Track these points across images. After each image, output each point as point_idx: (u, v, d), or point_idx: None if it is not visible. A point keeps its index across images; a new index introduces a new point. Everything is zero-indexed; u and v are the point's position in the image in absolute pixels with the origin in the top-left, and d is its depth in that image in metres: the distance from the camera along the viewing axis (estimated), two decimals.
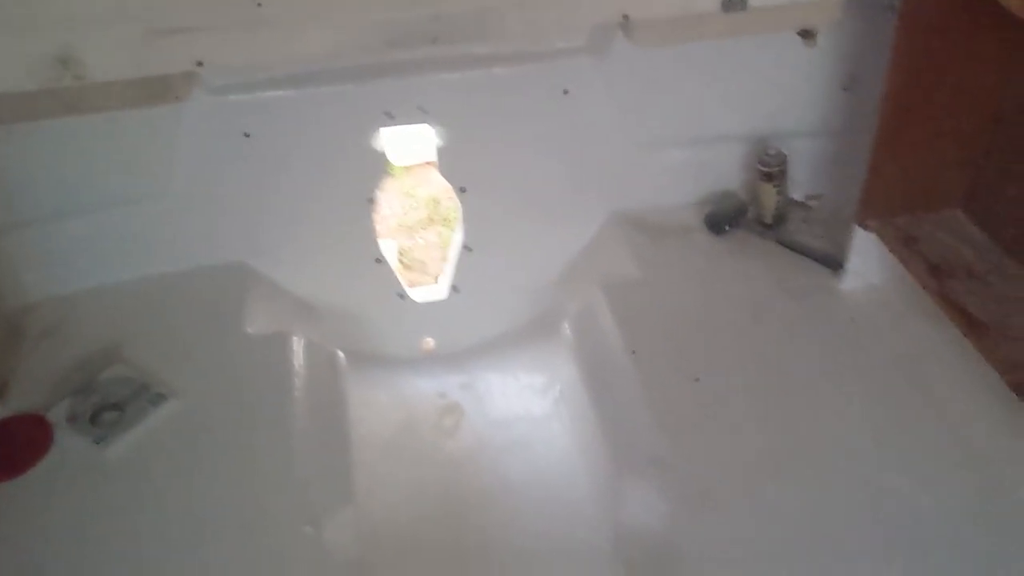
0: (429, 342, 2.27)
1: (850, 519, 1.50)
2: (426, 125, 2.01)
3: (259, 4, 1.51)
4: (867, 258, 1.88)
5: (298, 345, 1.90)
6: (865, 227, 1.87)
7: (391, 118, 1.97)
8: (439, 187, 3.36)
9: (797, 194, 2.18)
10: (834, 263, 1.97)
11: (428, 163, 3.46)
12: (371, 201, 2.07)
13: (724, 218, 2.10)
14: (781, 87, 2.05)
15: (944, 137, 1.77)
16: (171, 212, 1.97)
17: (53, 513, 1.54)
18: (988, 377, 1.56)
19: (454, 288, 2.21)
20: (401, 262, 3.15)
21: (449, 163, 2.07)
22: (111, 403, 1.71)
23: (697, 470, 1.60)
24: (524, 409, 2.11)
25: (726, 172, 2.17)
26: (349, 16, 1.59)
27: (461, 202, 2.12)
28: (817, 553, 1.46)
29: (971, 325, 1.61)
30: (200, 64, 1.57)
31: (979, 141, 1.78)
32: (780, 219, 2.11)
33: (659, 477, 1.62)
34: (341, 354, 2.06)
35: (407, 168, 3.57)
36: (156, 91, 1.59)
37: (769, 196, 2.08)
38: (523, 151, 2.08)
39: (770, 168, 2.04)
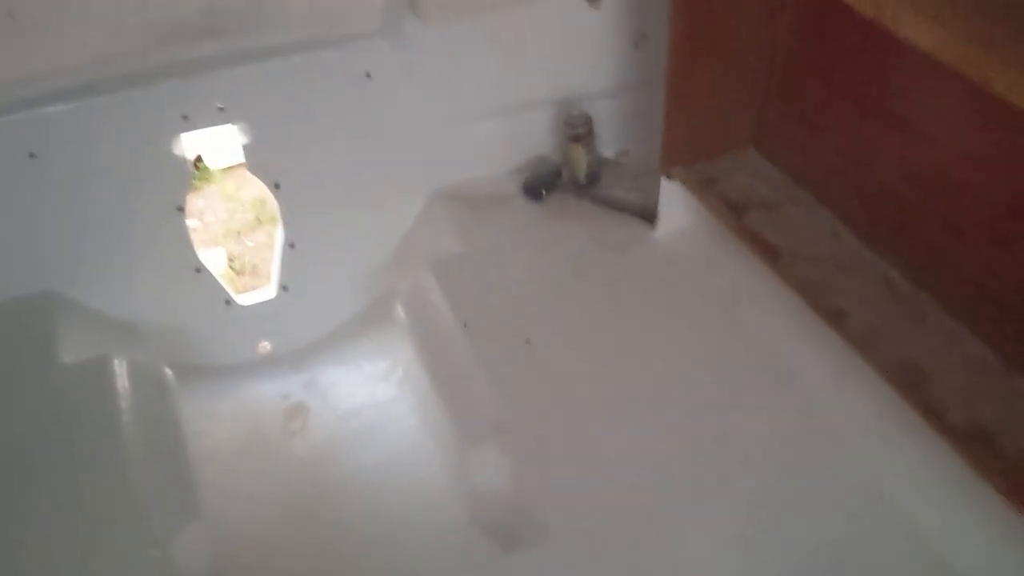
0: (265, 346, 2.22)
1: (684, 454, 1.58)
2: (228, 125, 1.96)
3: (11, 15, 1.42)
4: (674, 205, 1.97)
5: (120, 367, 1.82)
6: (669, 176, 1.96)
7: (188, 121, 1.91)
8: (263, 186, 3.28)
9: (608, 152, 2.26)
10: (647, 214, 2.06)
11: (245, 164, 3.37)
12: (180, 210, 1.99)
13: (540, 183, 2.15)
14: (575, 50, 2.11)
15: (728, 81, 1.88)
16: None
17: None
18: (789, 299, 1.67)
19: (283, 287, 2.17)
20: (232, 268, 3.06)
21: (258, 160, 2.02)
22: None
23: (536, 428, 1.65)
24: (369, 397, 2.10)
25: (537, 138, 2.22)
26: (115, 16, 1.52)
27: (277, 199, 2.08)
28: (657, 490, 1.53)
29: (767, 252, 1.73)
30: None
31: (759, 82, 1.89)
32: (593, 178, 2.18)
33: (501, 441, 1.66)
34: (168, 370, 1.99)
35: (226, 170, 3.47)
36: None
37: (579, 157, 2.14)
38: (334, 139, 2.06)
39: (576, 129, 2.10)
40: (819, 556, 1.43)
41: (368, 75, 2.00)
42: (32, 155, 1.83)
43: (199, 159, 3.36)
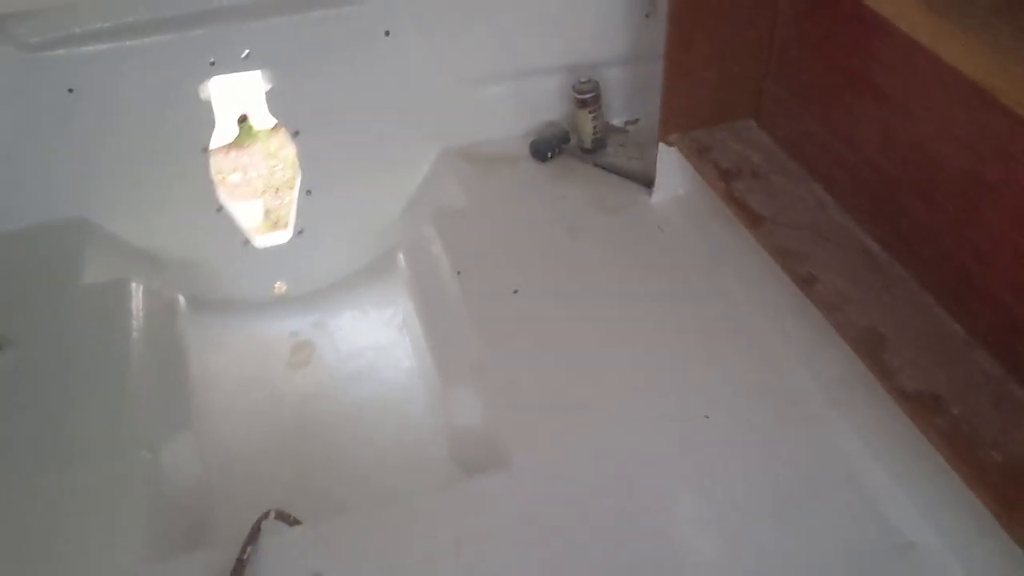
0: (281, 286, 2.34)
1: (649, 403, 1.64)
2: (252, 72, 2.07)
3: None
4: (671, 171, 2.03)
5: (136, 291, 1.95)
6: (667, 143, 2.01)
7: (215, 66, 2.03)
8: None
9: (616, 120, 2.32)
10: (647, 180, 2.11)
11: None
12: (205, 150, 2.12)
13: (546, 146, 2.23)
14: (587, 18, 2.18)
15: (728, 55, 1.92)
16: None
17: None
18: (766, 264, 1.72)
19: (298, 232, 2.28)
20: (269, 221, 3.20)
21: (280, 107, 2.14)
22: None
23: (512, 371, 1.73)
24: (372, 340, 2.21)
25: (547, 103, 2.29)
26: None
27: (296, 146, 2.19)
28: (619, 434, 1.60)
29: (751, 218, 1.77)
30: None
31: (759, 55, 1.93)
32: (600, 144, 2.24)
33: (478, 380, 1.74)
34: (181, 298, 2.12)
35: (270, 129, 3.61)
36: None
37: (586, 122, 2.20)
38: (352, 93, 2.16)
39: (584, 95, 2.17)
40: (769, 505, 1.48)
41: (387, 33, 2.10)
42: (71, 90, 1.97)
43: (244, 117, 3.51)
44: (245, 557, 1.41)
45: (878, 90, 1.64)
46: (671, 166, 2.02)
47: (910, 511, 1.43)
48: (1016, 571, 1.27)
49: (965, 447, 1.35)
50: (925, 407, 1.42)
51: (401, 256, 2.18)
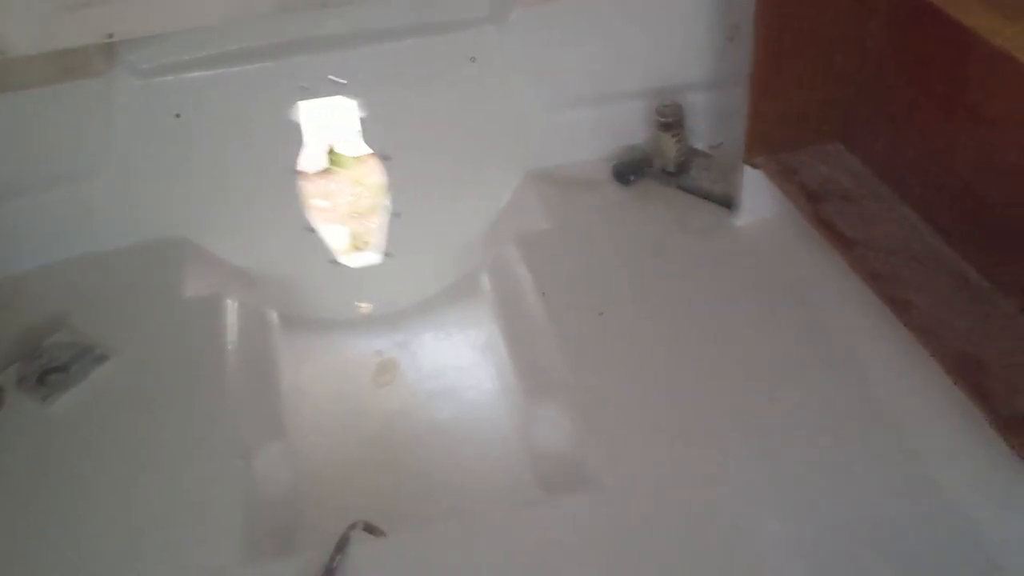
0: (367, 306, 2.40)
1: (738, 426, 1.63)
2: (342, 97, 2.15)
3: None
4: (756, 193, 2.02)
5: (232, 306, 2.03)
6: (753, 165, 2.01)
7: (309, 92, 2.11)
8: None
9: (700, 144, 2.32)
10: (731, 203, 2.11)
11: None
12: (296, 173, 2.20)
13: (629, 169, 2.24)
14: (670, 43, 2.19)
15: (815, 77, 1.91)
16: (110, 191, 2.10)
17: (4, 466, 1.67)
18: (857, 287, 1.69)
19: (386, 253, 2.34)
20: (354, 245, 3.28)
21: (370, 132, 2.21)
22: (56, 365, 1.84)
23: (597, 392, 1.73)
24: (454, 360, 2.24)
25: (630, 127, 2.30)
26: None
27: (386, 170, 2.25)
28: (708, 457, 1.59)
29: (841, 241, 1.75)
30: (111, 36, 1.70)
31: (849, 79, 1.92)
32: (683, 167, 2.24)
33: (562, 399, 1.76)
34: (274, 313, 2.19)
35: (357, 158, 3.71)
36: (74, 65, 1.72)
37: (669, 146, 2.21)
38: (439, 118, 2.22)
39: (667, 118, 2.18)
40: (865, 533, 1.45)
41: (473, 59, 2.15)
42: (178, 115, 2.07)
43: (332, 147, 3.62)
44: (334, 565, 1.44)
45: (974, 111, 1.61)
46: (756, 188, 2.01)
47: (1009, 536, 1.38)
48: None
49: None
50: None
51: (485, 277, 2.21)
